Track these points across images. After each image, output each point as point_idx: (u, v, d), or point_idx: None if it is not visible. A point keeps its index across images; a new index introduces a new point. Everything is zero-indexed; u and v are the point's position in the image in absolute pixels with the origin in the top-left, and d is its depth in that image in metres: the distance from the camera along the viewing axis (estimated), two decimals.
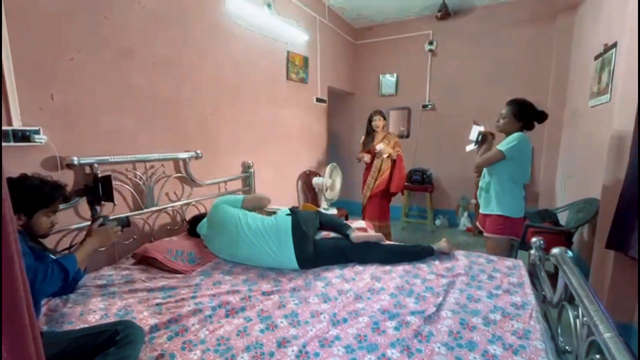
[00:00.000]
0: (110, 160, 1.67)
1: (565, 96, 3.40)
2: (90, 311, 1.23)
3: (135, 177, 1.83)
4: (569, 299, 1.23)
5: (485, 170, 2.05)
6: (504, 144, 1.89)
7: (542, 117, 1.91)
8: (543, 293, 1.50)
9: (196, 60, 2.18)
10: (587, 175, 2.64)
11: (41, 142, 1.42)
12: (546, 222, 2.73)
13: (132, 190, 1.81)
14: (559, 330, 1.33)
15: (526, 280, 1.52)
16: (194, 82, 2.17)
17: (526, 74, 3.69)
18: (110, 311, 1.24)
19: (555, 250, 1.32)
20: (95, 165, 1.60)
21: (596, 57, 2.51)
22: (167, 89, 2.00)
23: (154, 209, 1.93)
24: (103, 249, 1.57)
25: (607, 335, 0.80)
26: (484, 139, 2.10)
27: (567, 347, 1.25)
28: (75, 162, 1.51)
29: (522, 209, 1.97)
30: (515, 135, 1.88)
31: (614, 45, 2.20)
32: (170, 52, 2.00)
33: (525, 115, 1.91)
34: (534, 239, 1.64)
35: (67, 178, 1.53)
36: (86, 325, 1.14)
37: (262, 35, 2.77)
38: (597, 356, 0.89)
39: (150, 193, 1.90)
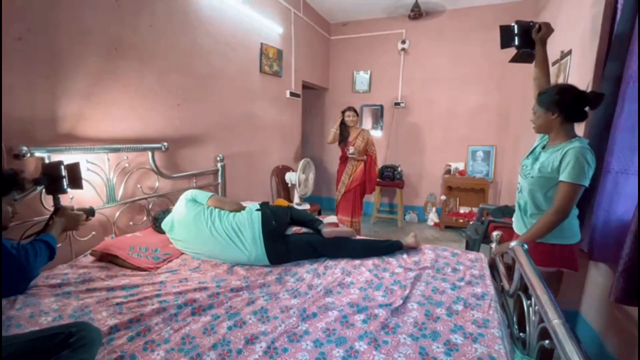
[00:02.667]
0: (65, 150, 1.55)
1: (527, 99, 3.61)
2: (42, 313, 1.15)
3: (95, 169, 1.72)
4: (524, 289, 1.31)
5: (531, 187, 1.43)
6: (567, 169, 1.28)
7: (588, 99, 1.32)
8: (501, 284, 1.59)
9: (163, 48, 2.07)
10: None
11: None
12: (506, 217, 2.90)
13: (90, 183, 1.70)
14: (515, 319, 1.42)
15: (486, 272, 1.60)
16: (160, 70, 2.07)
17: (495, 76, 3.87)
18: (65, 312, 1.16)
19: (512, 244, 1.40)
20: (48, 155, 1.48)
21: (554, 63, 2.68)
22: (130, 76, 1.89)
23: (116, 203, 1.83)
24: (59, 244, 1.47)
25: (555, 321, 0.86)
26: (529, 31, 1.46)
27: (521, 334, 1.34)
28: (24, 152, 1.39)
29: (577, 232, 1.44)
30: (572, 150, 1.29)
31: (569, 52, 2.35)
32: (134, 38, 1.89)
33: (562, 103, 1.33)
34: (494, 233, 1.73)
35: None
36: (36, 328, 1.06)
37: (234, 26, 2.69)
38: (547, 341, 0.96)
39: (112, 186, 1.80)
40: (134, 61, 1.90)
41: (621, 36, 1.50)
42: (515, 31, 1.53)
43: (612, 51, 1.57)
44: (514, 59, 1.67)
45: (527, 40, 1.53)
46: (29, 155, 1.40)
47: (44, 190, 1.47)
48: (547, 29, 1.50)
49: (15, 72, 1.40)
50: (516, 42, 1.55)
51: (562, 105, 1.33)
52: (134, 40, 1.89)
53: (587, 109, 1.34)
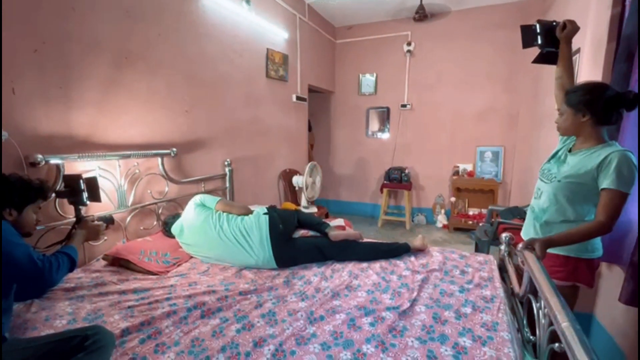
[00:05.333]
0: (79, 158, 1.60)
1: (538, 99, 3.57)
2: (57, 316, 1.18)
3: (107, 175, 1.76)
4: (534, 291, 1.29)
5: (556, 191, 1.33)
6: (612, 176, 1.16)
7: (624, 100, 1.19)
8: (511, 287, 1.57)
9: (171, 56, 2.12)
10: None
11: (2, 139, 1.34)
12: (516, 218, 2.86)
13: (102, 189, 1.74)
14: (525, 322, 1.40)
15: (495, 274, 1.59)
16: (168, 78, 2.11)
17: (502, 76, 3.84)
18: (79, 315, 1.19)
19: (520, 246, 1.39)
20: (62, 163, 1.53)
21: None
22: (139, 85, 1.94)
23: (127, 208, 1.87)
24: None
25: (564, 324, 0.85)
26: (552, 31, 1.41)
27: (531, 337, 1.32)
28: (39, 160, 1.44)
29: (600, 246, 1.35)
30: (615, 154, 1.18)
31: (578, 50, 2.33)
32: (143, 47, 1.94)
33: (593, 103, 1.22)
34: (503, 235, 1.71)
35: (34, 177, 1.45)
36: (52, 331, 1.09)
37: (240, 32, 2.73)
38: (556, 344, 0.95)
39: (123, 192, 1.84)
40: (143, 70, 1.94)
41: (630, 36, 1.48)
42: (538, 30, 1.49)
43: (620, 51, 1.55)
44: (537, 60, 1.61)
45: (550, 39, 1.48)
46: (43, 162, 1.45)
47: (58, 199, 1.51)
48: (572, 27, 1.42)
49: (31, 82, 1.45)
50: (539, 42, 1.50)
51: (594, 106, 1.22)
52: (143, 49, 1.94)
53: (623, 110, 1.23)
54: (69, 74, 1.59)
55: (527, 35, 1.54)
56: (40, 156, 1.44)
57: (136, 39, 1.89)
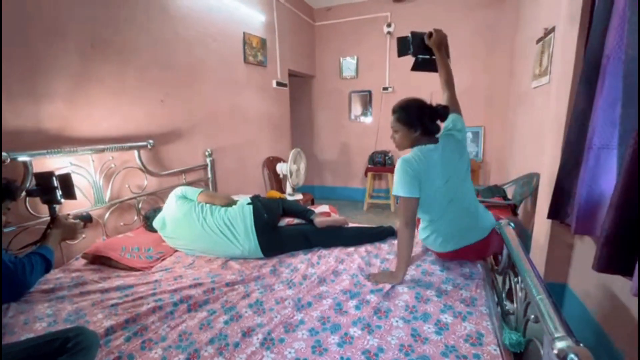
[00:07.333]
0: (48, 154, 1.52)
1: (512, 78, 3.62)
2: (36, 319, 1.15)
3: (80, 171, 1.69)
4: (512, 266, 1.35)
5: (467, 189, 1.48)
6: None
7: (437, 113, 1.42)
8: (491, 262, 1.63)
9: (141, 42, 2.01)
10: (531, 151, 2.86)
11: None
12: (495, 196, 2.95)
13: (77, 186, 1.67)
14: (504, 295, 1.47)
15: None
16: (140, 65, 2.01)
17: (479, 57, 3.86)
18: (60, 317, 1.16)
19: (499, 223, 1.43)
20: (30, 160, 1.46)
21: (538, 41, 2.68)
22: (109, 74, 1.84)
23: (105, 204, 1.81)
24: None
25: (538, 297, 0.89)
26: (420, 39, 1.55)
27: (510, 310, 1.39)
28: (4, 158, 1.35)
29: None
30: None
31: (552, 29, 2.35)
32: (110, 33, 1.83)
33: (422, 118, 1.42)
34: None
35: None
36: (32, 335, 1.06)
37: (214, 15, 2.61)
38: (532, 316, 1.00)
39: (99, 187, 1.77)
40: (112, 57, 1.84)
41: (602, 12, 1.50)
42: (410, 40, 1.60)
43: (593, 27, 1.57)
44: (414, 67, 1.70)
45: (424, 48, 1.60)
46: (9, 160, 1.37)
47: (29, 198, 1.44)
48: (438, 35, 1.56)
49: None
50: (411, 50, 1.62)
51: (422, 121, 1.42)
52: (111, 35, 1.83)
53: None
54: (32, 64, 1.49)
55: (402, 45, 1.64)
56: (5, 154, 1.36)
57: (102, 24, 1.78)
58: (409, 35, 1.61)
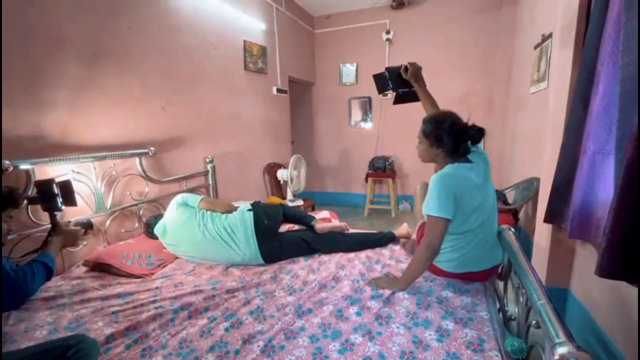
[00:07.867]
0: (50, 162, 1.53)
1: (511, 83, 3.65)
2: (37, 327, 1.15)
3: (82, 179, 1.70)
4: (513, 271, 1.35)
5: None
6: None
7: (467, 134, 1.33)
8: None
9: (143, 50, 2.04)
10: (531, 156, 2.87)
11: None
12: (497, 201, 2.95)
13: (78, 193, 1.68)
14: (505, 300, 1.46)
15: None
16: (141, 74, 2.04)
17: (478, 62, 3.89)
18: (60, 325, 1.16)
19: (500, 228, 1.43)
20: (32, 168, 1.47)
21: (535, 47, 2.71)
22: (111, 82, 1.86)
23: (106, 211, 1.82)
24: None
25: (539, 302, 0.89)
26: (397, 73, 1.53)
27: (512, 315, 1.38)
28: (7, 166, 1.37)
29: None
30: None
31: (550, 35, 2.38)
32: (112, 42, 1.85)
33: (442, 138, 1.34)
34: None
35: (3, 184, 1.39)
36: (32, 343, 1.06)
37: (215, 24, 2.65)
38: (534, 321, 1.00)
39: (100, 194, 1.78)
40: (114, 66, 1.87)
41: (597, 18, 1.52)
42: (387, 76, 1.61)
43: (588, 33, 1.59)
44: (396, 101, 1.71)
45: (401, 81, 1.61)
46: (11, 168, 1.39)
47: (30, 205, 1.45)
48: (413, 68, 1.57)
49: None
50: (390, 85, 1.63)
51: (444, 141, 1.35)
52: (113, 44, 1.86)
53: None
54: (34, 74, 1.51)
55: (380, 83, 1.65)
56: (7, 162, 1.37)
57: (104, 33, 1.80)
58: (385, 72, 1.62)
